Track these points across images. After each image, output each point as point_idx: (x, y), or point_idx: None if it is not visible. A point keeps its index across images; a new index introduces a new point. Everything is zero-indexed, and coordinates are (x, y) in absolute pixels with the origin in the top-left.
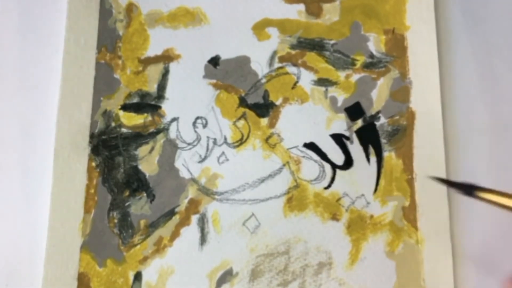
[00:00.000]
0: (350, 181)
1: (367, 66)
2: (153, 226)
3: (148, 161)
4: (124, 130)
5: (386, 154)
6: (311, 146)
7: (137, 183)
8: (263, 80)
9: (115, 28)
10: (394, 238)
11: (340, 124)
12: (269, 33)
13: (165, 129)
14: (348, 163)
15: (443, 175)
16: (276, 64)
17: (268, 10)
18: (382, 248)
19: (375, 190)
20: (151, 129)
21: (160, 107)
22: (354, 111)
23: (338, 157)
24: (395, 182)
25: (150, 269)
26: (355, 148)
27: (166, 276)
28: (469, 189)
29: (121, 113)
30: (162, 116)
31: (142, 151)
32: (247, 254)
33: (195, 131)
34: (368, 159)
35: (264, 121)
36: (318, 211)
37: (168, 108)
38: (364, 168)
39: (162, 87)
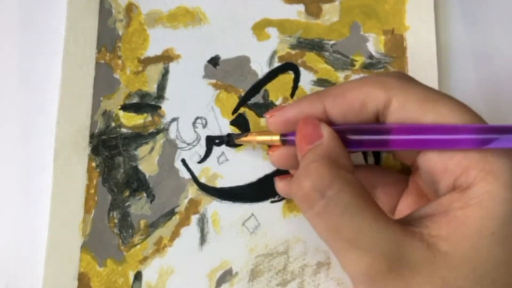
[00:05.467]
0: None
1: (366, 67)
2: (153, 226)
3: (148, 161)
4: (124, 130)
5: (384, 155)
6: None
7: (137, 183)
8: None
9: (115, 28)
10: None
11: None
12: (269, 33)
13: (165, 129)
14: None
15: None
16: (276, 64)
17: (268, 10)
18: None
19: None
20: (151, 129)
21: (160, 107)
22: None
23: None
24: None
25: (150, 269)
26: None
27: (166, 276)
28: (229, 139)
29: (121, 113)
30: (162, 116)
31: (142, 151)
32: (247, 254)
33: (195, 131)
34: (366, 160)
35: (264, 120)
36: None
37: (168, 108)
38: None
39: (162, 87)
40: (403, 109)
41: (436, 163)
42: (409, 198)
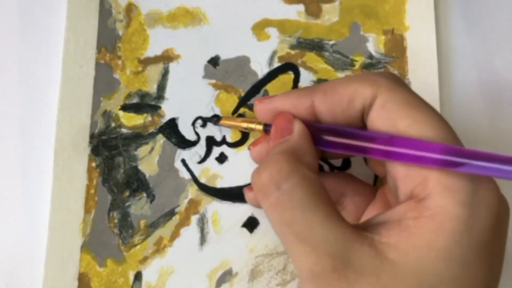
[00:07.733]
0: None
1: (366, 67)
2: (153, 226)
3: (148, 161)
4: (124, 130)
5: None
6: None
7: (137, 183)
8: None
9: (115, 28)
10: None
11: None
12: (269, 33)
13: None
14: (346, 164)
15: None
16: (276, 64)
17: (268, 11)
18: None
19: None
20: (151, 130)
21: (160, 107)
22: None
23: None
24: None
25: (150, 269)
26: None
27: (166, 276)
28: (216, 120)
29: (121, 113)
30: (162, 116)
31: (142, 151)
32: (247, 254)
33: (195, 131)
34: (366, 160)
35: None
36: None
37: (168, 108)
38: (362, 169)
39: (162, 87)
40: (383, 108)
41: (399, 169)
42: (374, 209)
